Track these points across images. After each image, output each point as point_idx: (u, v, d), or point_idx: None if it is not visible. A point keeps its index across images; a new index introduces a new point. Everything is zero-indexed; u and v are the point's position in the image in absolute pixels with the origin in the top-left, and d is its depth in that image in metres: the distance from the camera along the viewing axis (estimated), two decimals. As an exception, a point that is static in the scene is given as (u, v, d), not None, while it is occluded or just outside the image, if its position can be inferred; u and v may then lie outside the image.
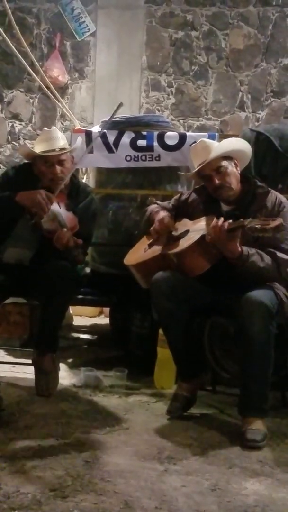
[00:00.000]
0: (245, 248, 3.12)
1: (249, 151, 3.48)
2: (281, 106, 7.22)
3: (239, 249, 3.10)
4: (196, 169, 3.38)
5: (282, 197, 3.37)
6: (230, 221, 3.08)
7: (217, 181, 3.31)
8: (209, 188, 3.40)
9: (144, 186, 4.34)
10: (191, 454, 2.84)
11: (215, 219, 3.13)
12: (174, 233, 3.42)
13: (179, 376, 3.47)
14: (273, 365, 3.09)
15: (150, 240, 3.52)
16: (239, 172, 3.40)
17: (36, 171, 3.63)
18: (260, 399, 3.07)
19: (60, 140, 3.63)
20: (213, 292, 3.29)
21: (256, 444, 2.95)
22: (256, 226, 2.93)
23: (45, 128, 3.79)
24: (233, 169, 3.35)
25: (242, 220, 3.03)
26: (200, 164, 3.35)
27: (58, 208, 3.49)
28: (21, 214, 3.45)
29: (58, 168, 3.56)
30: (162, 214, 3.46)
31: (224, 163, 3.33)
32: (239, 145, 3.44)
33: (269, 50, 7.23)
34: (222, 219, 3.11)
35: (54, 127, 3.75)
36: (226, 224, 3.07)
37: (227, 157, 3.34)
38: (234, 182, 3.34)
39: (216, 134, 4.55)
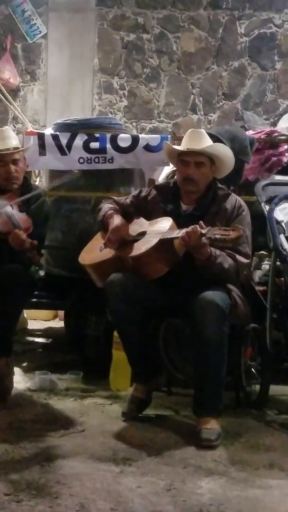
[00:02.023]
0: (212, 249, 3.15)
1: (230, 169, 3.50)
2: (232, 109, 7.30)
3: (209, 250, 3.13)
4: (187, 149, 3.35)
5: (241, 201, 3.42)
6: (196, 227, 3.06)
7: (190, 172, 3.33)
8: (179, 173, 3.42)
9: (98, 188, 4.33)
10: (146, 455, 2.85)
11: (195, 227, 3.08)
12: (131, 234, 3.41)
13: (135, 378, 3.48)
14: (227, 365, 3.13)
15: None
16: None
17: None
18: (214, 399, 3.10)
19: (13, 139, 3.66)
20: (168, 294, 3.30)
21: (210, 443, 2.97)
22: (216, 236, 2.97)
23: None
24: (208, 173, 3.39)
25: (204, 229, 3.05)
26: (189, 149, 3.35)
27: (11, 209, 3.51)
28: None
29: (12, 167, 3.60)
30: (117, 221, 3.41)
31: (207, 162, 3.36)
32: (230, 159, 3.45)
33: (220, 53, 7.31)
34: (198, 226, 3.08)
35: (7, 127, 3.75)
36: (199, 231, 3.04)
37: (211, 159, 3.38)
38: (203, 183, 3.38)
39: (169, 136, 4.58)
